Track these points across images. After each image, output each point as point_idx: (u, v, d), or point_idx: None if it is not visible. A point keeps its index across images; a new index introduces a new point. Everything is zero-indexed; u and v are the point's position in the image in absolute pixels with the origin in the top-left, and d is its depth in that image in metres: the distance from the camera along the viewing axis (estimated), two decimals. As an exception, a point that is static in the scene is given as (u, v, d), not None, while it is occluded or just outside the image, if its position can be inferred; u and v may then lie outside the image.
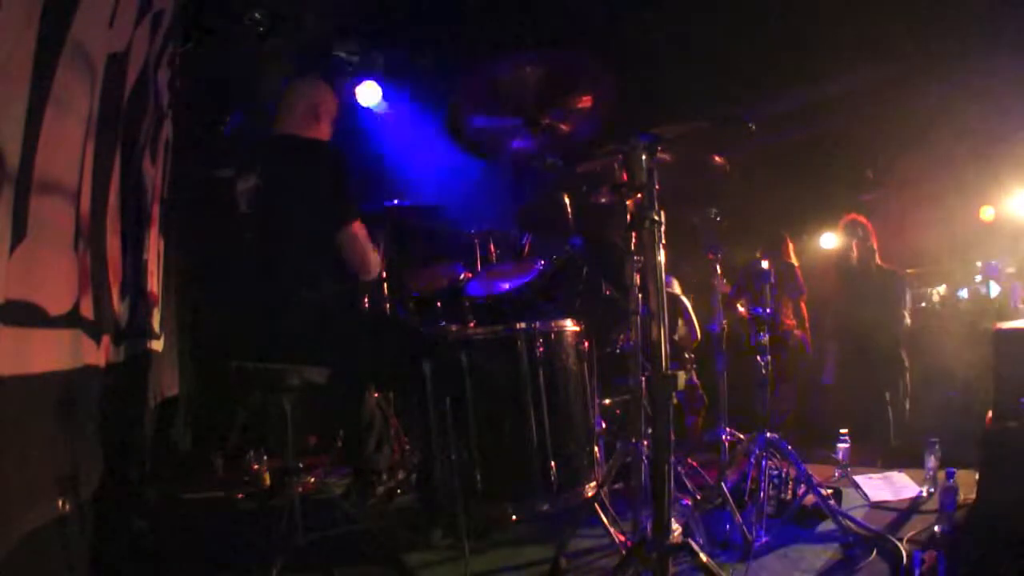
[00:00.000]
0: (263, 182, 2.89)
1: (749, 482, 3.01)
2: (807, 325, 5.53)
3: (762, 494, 2.86)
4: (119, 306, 3.11)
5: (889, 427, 4.87)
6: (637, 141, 2.04)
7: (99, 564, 2.38)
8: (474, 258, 3.84)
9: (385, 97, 5.53)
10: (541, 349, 2.92)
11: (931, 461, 3.22)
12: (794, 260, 5.47)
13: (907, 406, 4.93)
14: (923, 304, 5.76)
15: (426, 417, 2.91)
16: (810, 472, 2.95)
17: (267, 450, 4.25)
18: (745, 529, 2.70)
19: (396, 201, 3.97)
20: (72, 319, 2.36)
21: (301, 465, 4.01)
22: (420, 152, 5.80)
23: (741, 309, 5.46)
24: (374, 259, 3.07)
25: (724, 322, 3.68)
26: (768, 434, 3.05)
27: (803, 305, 5.52)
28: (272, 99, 3.27)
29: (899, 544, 2.53)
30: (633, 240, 2.71)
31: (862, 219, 5.21)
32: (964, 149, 5.50)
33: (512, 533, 3.01)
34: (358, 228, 2.92)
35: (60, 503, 2.14)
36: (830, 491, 3.05)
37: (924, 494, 3.21)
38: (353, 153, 3.07)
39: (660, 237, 1.99)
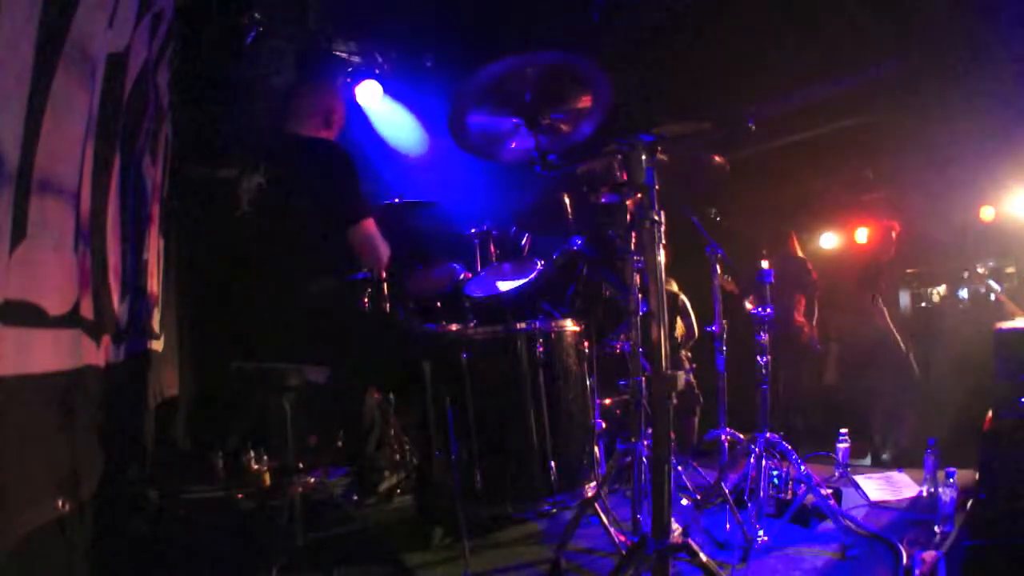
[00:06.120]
0: (268, 180, 2.90)
1: (749, 482, 3.01)
2: (815, 322, 5.51)
3: (762, 494, 2.86)
4: (119, 306, 3.10)
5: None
6: (637, 141, 2.04)
7: (99, 564, 2.38)
8: (474, 258, 3.83)
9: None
10: (541, 349, 2.92)
11: (931, 461, 3.23)
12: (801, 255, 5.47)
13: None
14: (923, 304, 5.75)
15: (426, 417, 2.91)
16: (810, 472, 2.95)
17: (267, 450, 4.24)
18: (745, 529, 2.71)
19: (397, 199, 3.96)
20: (72, 319, 2.36)
21: (301, 465, 4.01)
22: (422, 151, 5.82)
23: (749, 306, 5.45)
24: (386, 253, 3.09)
25: (724, 322, 3.67)
26: (768, 434, 3.05)
27: (816, 301, 5.49)
28: (272, 98, 3.28)
29: (899, 544, 2.53)
30: (633, 240, 2.72)
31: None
32: (963, 149, 5.49)
33: (512, 533, 3.01)
34: (370, 226, 2.94)
35: (60, 503, 2.13)
36: (830, 491, 3.06)
37: (924, 494, 3.21)
38: (353, 152, 3.08)
39: (660, 237, 1.99)
